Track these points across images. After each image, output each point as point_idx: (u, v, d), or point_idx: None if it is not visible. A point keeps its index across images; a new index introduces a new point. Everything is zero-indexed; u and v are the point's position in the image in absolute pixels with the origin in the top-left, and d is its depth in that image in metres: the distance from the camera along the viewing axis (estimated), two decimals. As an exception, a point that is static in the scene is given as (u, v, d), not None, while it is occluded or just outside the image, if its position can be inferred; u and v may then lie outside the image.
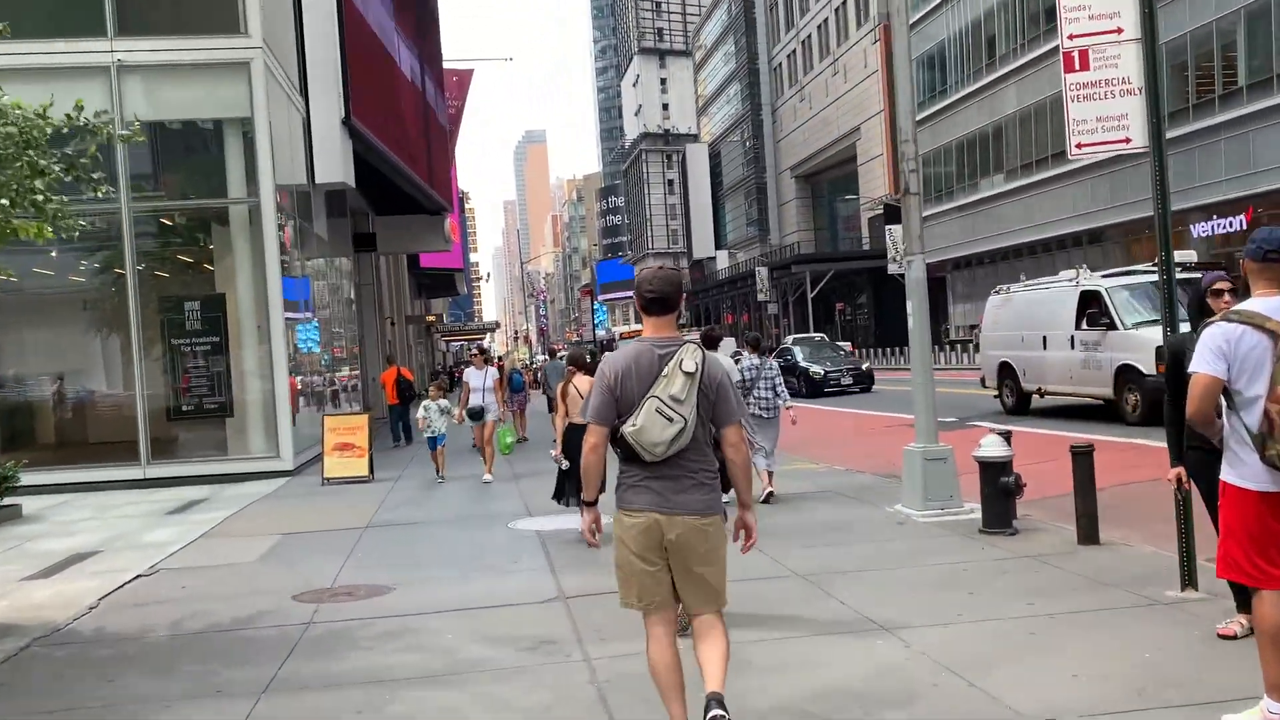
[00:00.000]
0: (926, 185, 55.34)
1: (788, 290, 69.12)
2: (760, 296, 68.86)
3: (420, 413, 13.80)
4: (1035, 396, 16.53)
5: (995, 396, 17.38)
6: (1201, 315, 4.98)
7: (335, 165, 17.76)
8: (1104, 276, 14.89)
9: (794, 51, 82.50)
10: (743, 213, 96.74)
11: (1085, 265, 17.73)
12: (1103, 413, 15.51)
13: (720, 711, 3.72)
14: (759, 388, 10.49)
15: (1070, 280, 15.37)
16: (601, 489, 4.23)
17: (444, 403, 13.94)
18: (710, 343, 10.74)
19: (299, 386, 16.89)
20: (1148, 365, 13.23)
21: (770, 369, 10.65)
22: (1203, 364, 3.90)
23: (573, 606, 6.62)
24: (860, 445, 15.33)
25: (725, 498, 4.18)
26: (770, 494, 10.21)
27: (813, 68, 78.52)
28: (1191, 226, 36.16)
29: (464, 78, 34.82)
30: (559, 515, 9.81)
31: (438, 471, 13.76)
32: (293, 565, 8.68)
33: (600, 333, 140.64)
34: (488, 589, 7.29)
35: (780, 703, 4.68)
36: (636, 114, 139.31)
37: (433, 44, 28.20)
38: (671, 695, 3.92)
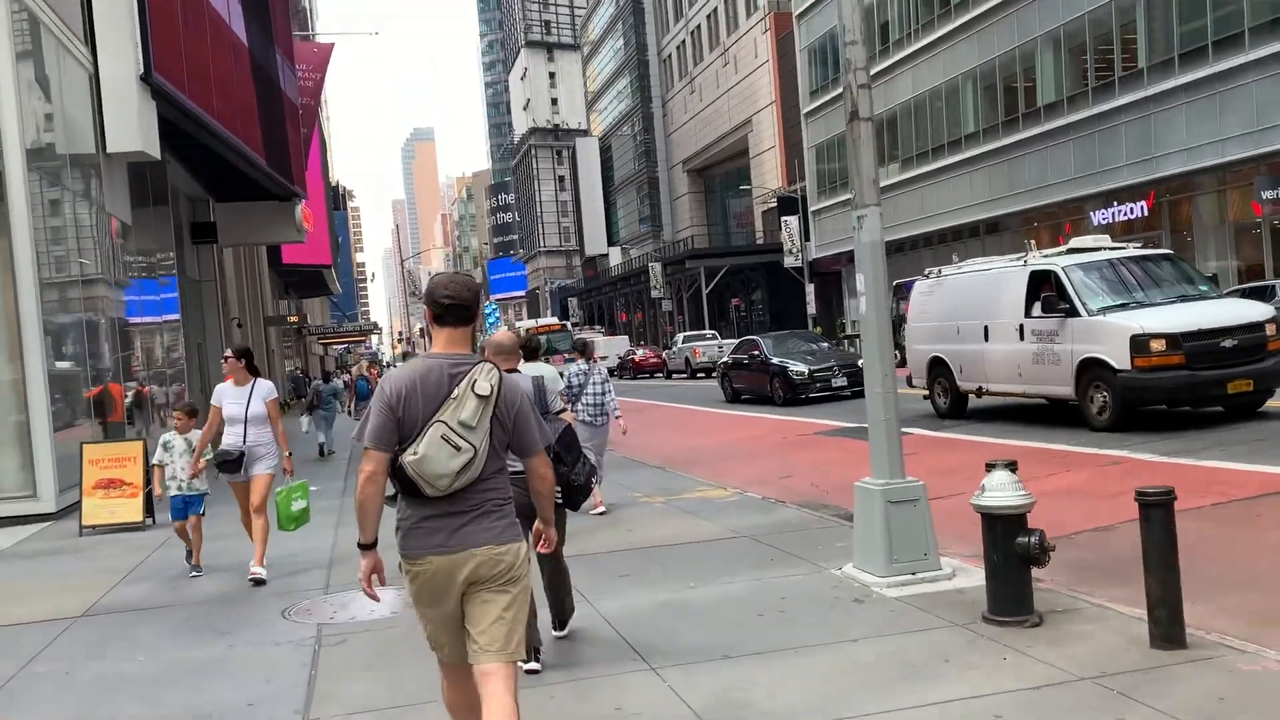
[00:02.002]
0: (818, 179, 53.86)
1: (682, 286, 67.24)
2: (654, 293, 66.88)
3: (156, 456, 8.41)
4: (973, 396, 14.26)
5: (925, 397, 14.98)
6: None
7: (131, 130, 14.45)
8: (1057, 255, 12.63)
9: (684, 42, 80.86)
10: (635, 208, 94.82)
11: (1033, 242, 15.62)
12: (1055, 414, 13.33)
13: None
14: (586, 394, 10.40)
15: (1017, 259, 13.08)
16: None
17: (192, 436, 8.28)
18: (583, 350, 11.07)
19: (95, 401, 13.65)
20: (1120, 359, 11.02)
21: (599, 374, 10.60)
22: None
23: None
24: (774, 461, 12.79)
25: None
26: (602, 511, 9.66)
27: (703, 58, 76.97)
28: (1092, 213, 35.11)
29: (324, 51, 31.56)
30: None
31: (189, 557, 8.34)
32: None
33: (490, 332, 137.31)
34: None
35: None
36: (525, 108, 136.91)
37: (279, 7, 24.84)
38: None
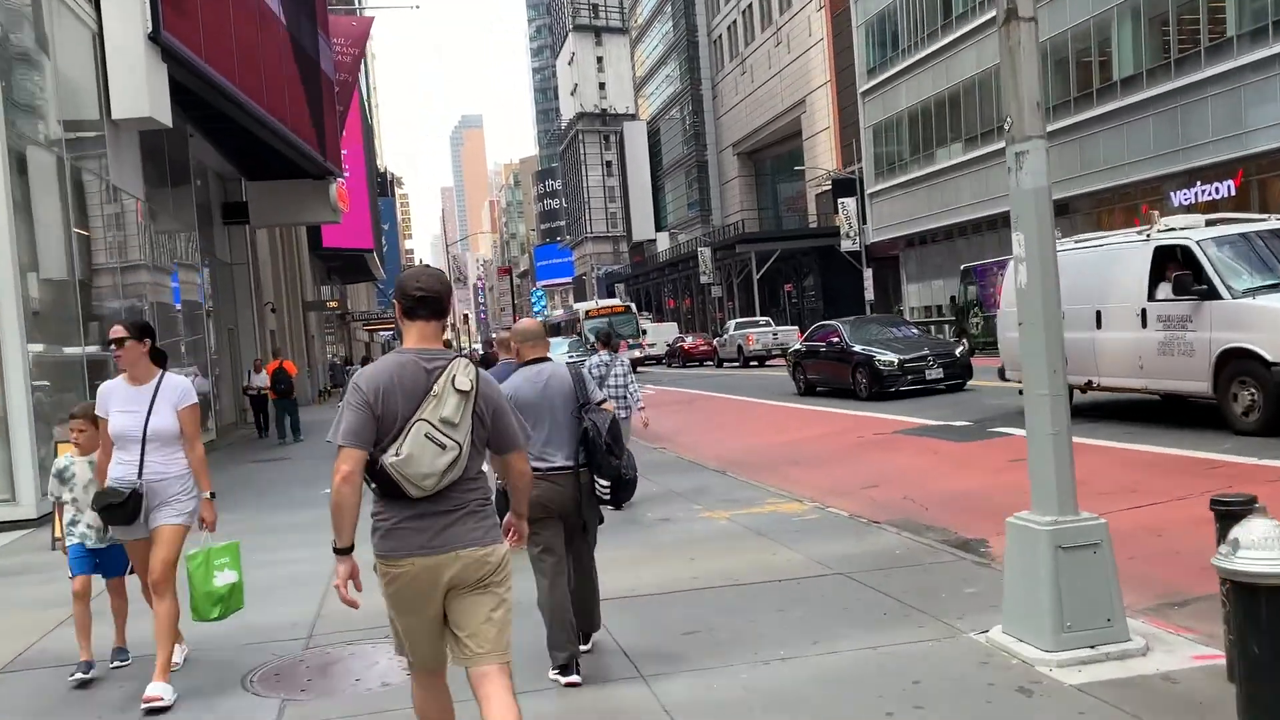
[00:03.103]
0: (875, 161, 51.82)
1: (732, 272, 65.44)
2: (703, 279, 65.15)
3: (50, 488, 5.73)
4: (1078, 392, 12.49)
5: (1022, 392, 13.17)
6: None
7: (138, 94, 13.13)
8: (1186, 226, 10.80)
9: (734, 22, 78.87)
10: (683, 193, 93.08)
11: (1158, 213, 13.78)
12: (1177, 413, 11.54)
13: None
14: (608, 385, 10.15)
15: (1138, 233, 11.27)
16: None
17: (91, 460, 5.52)
18: (605, 340, 10.84)
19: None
20: (1274, 349, 9.24)
21: (621, 365, 10.39)
22: None
23: None
24: (855, 466, 11.12)
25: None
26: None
27: (754, 39, 74.96)
28: (1172, 194, 32.87)
29: (363, 25, 30.28)
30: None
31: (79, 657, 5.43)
32: None
33: (538, 318, 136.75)
34: None
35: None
36: (573, 93, 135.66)
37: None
38: None
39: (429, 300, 3.39)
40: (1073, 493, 4.44)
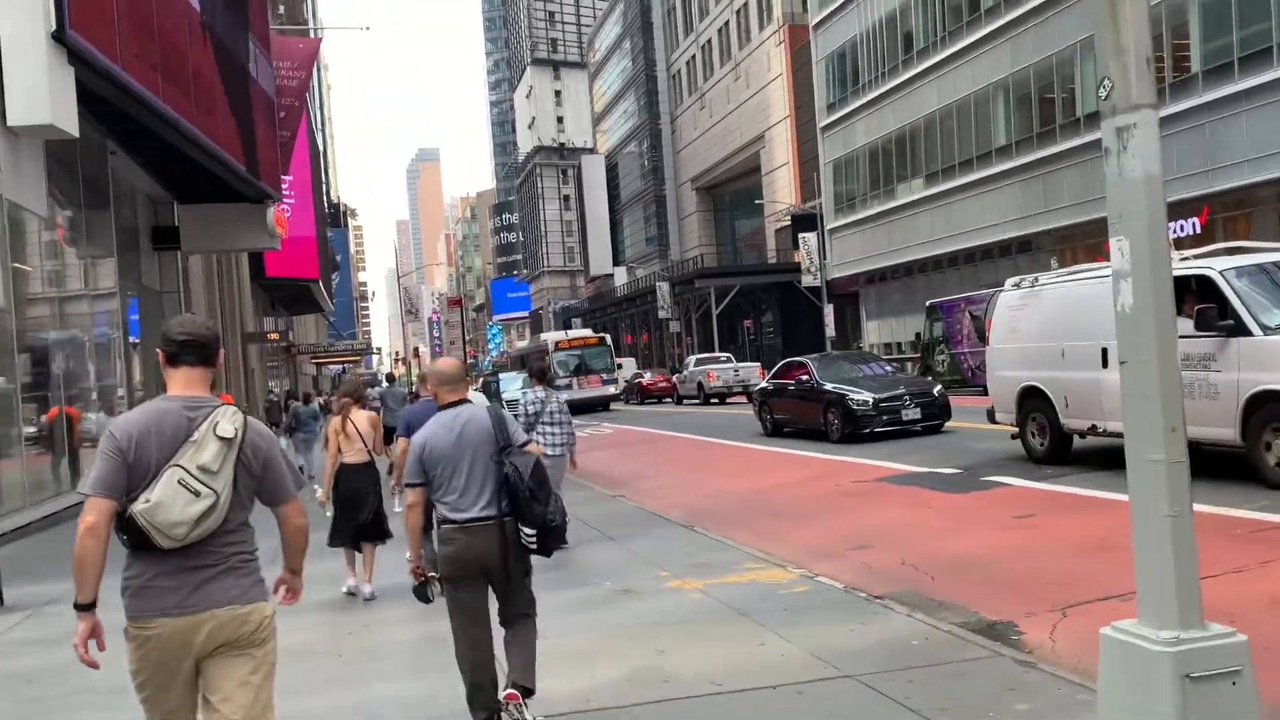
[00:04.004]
0: (835, 196, 51.33)
1: (690, 307, 64.55)
2: (661, 314, 64.17)
3: None
4: (1077, 436, 11.41)
5: (1014, 436, 12.05)
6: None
7: (38, 99, 11.70)
8: (1206, 255, 9.80)
9: (693, 57, 78.70)
10: (641, 227, 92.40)
11: (1174, 247, 12.83)
12: (1201, 464, 10.44)
13: None
14: (543, 423, 9.64)
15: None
16: None
17: None
18: (540, 375, 10.14)
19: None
20: (1315, 393, 8.21)
21: (556, 402, 9.84)
22: None
23: None
24: (839, 521, 9.87)
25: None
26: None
27: (713, 73, 74.75)
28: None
29: (309, 46, 28.95)
30: None
31: None
32: None
33: (493, 354, 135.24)
34: None
35: None
36: (530, 126, 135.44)
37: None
38: None
39: (193, 345, 3.27)
40: (1198, 597, 3.22)
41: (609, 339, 42.91)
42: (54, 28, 11.81)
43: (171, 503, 3.04)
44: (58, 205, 16.09)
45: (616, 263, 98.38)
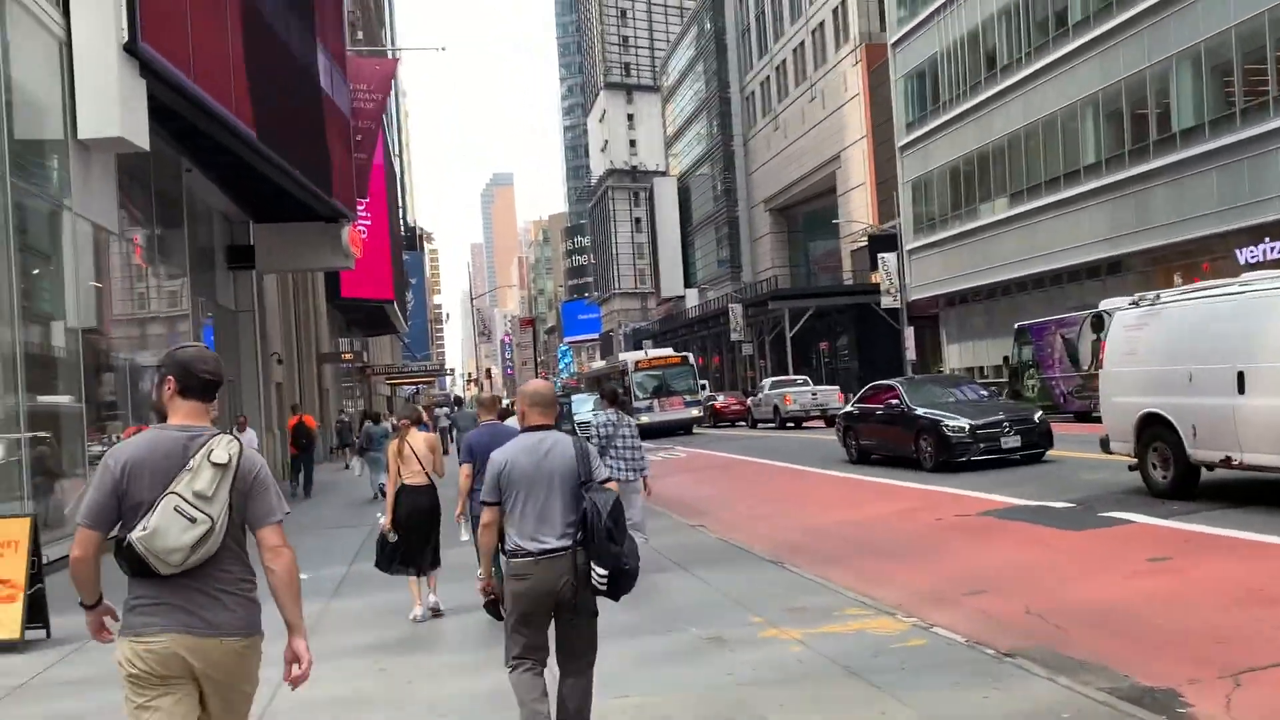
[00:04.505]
0: (914, 217, 50.07)
1: (764, 329, 63.56)
2: (734, 336, 63.26)
3: None
4: (1204, 469, 10.38)
5: (1132, 468, 11.03)
6: None
7: (109, 112, 11.49)
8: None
9: (767, 79, 78.09)
10: (713, 249, 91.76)
11: None
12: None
13: None
14: (615, 447, 9.41)
15: (1293, 277, 9.24)
16: None
17: None
18: (612, 397, 9.97)
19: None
20: None
21: (629, 426, 9.64)
22: None
23: None
24: (947, 561, 8.97)
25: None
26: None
27: (788, 94, 74.00)
28: (1237, 251, 30.77)
29: (386, 67, 28.93)
30: None
31: None
32: None
33: (565, 376, 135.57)
34: None
35: None
36: (603, 150, 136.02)
37: (328, 6, 22.12)
38: None
39: (213, 385, 3.36)
40: None
41: (691, 358, 40.37)
42: (126, 39, 11.64)
43: (167, 530, 3.08)
44: (136, 224, 15.98)
45: (688, 285, 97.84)
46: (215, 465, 3.15)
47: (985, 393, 18.36)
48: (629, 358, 40.66)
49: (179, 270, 17.84)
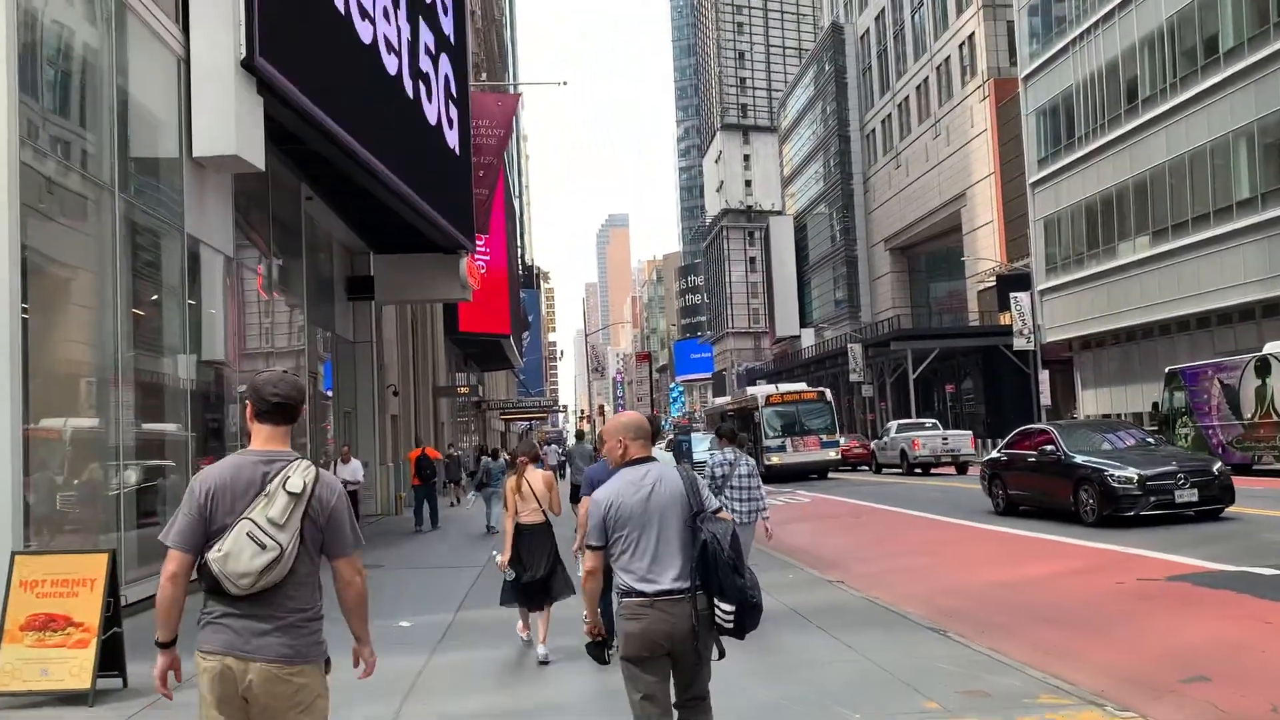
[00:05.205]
0: (1050, 254, 47.80)
1: (885, 370, 61.58)
2: (853, 377, 61.43)
3: None
4: None
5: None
6: None
7: (225, 128, 11.11)
8: None
9: (889, 116, 76.65)
10: (830, 289, 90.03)
11: None
12: None
13: None
14: (732, 487, 9.00)
15: None
16: None
17: None
18: (730, 436, 9.47)
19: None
20: None
21: (745, 465, 9.15)
22: None
23: None
24: (1143, 635, 7.64)
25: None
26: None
27: (910, 131, 72.40)
28: None
29: (507, 103, 28.77)
30: None
31: None
32: None
33: (675, 413, 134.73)
34: None
35: None
36: (718, 190, 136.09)
37: (457, 44, 21.90)
38: None
39: (284, 407, 3.42)
40: None
41: (829, 394, 36.74)
42: (243, 54, 11.25)
43: (240, 554, 3.20)
44: (258, 251, 15.75)
45: (803, 324, 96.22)
46: (290, 494, 3.25)
47: (1151, 440, 16.62)
48: (759, 392, 37.32)
49: (298, 299, 17.59)
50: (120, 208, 10.08)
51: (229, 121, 11.17)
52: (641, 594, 3.99)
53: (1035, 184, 48.66)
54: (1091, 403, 46.38)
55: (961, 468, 32.65)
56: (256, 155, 11.69)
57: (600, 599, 4.49)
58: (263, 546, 3.18)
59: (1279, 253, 33.49)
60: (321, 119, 12.79)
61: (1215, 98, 35.86)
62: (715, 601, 3.99)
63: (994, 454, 18.06)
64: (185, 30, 11.32)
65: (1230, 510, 14.00)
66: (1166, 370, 28.96)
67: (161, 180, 11.43)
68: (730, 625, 4.00)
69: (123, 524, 9.73)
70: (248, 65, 11.30)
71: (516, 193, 70.21)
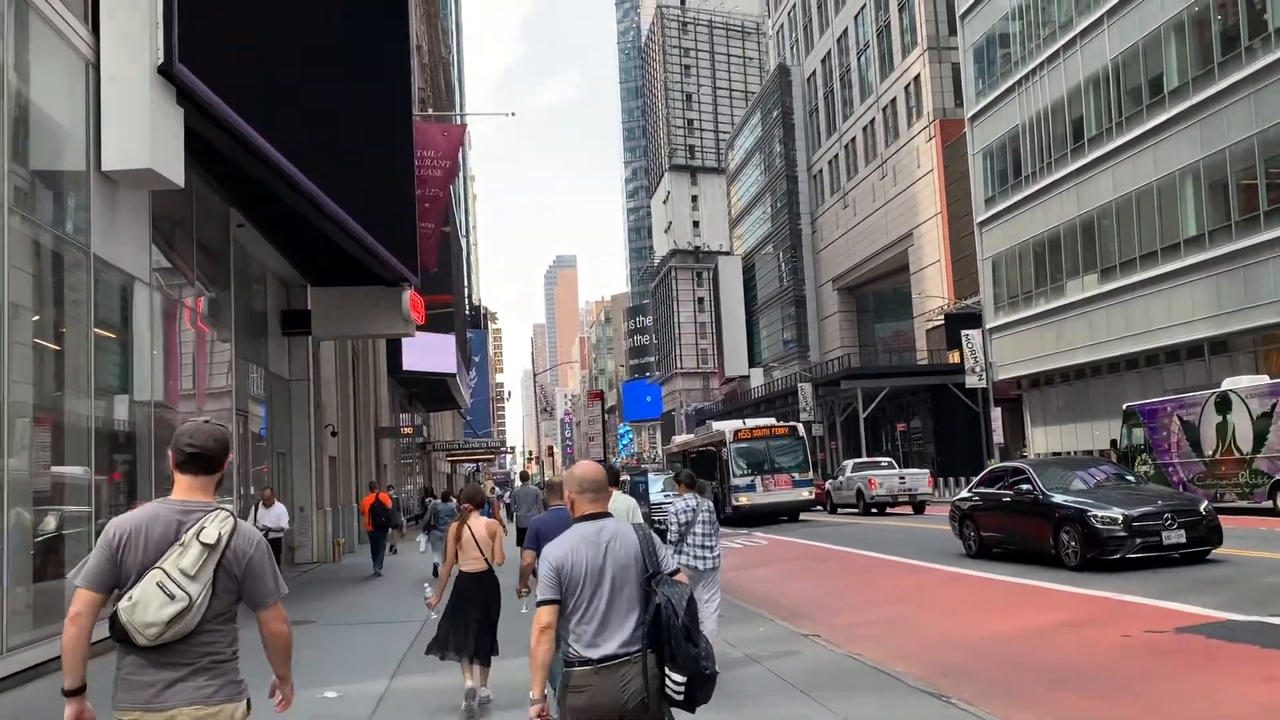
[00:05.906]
0: (998, 292, 47.87)
1: (835, 409, 61.22)
2: (804, 416, 60.95)
3: None
4: None
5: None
6: None
7: (137, 140, 10.06)
8: None
9: (836, 157, 77.18)
10: (779, 329, 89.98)
11: None
12: None
13: None
14: (694, 533, 8.68)
15: None
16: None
17: None
18: (690, 482, 9.19)
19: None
20: None
21: (706, 510, 8.81)
22: None
23: None
24: (1161, 698, 6.81)
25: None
26: None
27: (857, 172, 72.86)
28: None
29: (454, 134, 27.91)
30: None
31: None
32: None
33: (624, 455, 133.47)
34: None
35: None
36: (667, 230, 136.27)
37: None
38: None
39: (201, 458, 3.35)
40: None
41: (801, 429, 33.64)
42: (161, 60, 10.22)
43: (148, 603, 3.15)
44: (182, 279, 14.61)
45: (752, 364, 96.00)
46: (204, 545, 3.22)
47: (1132, 477, 15.91)
48: (726, 427, 34.32)
49: (226, 333, 16.41)
50: (12, 224, 8.95)
51: (143, 133, 10.12)
52: (587, 661, 3.69)
53: (983, 223, 48.82)
54: (1041, 440, 46.29)
55: (919, 507, 31.95)
56: (175, 171, 10.62)
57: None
58: (171, 596, 3.15)
59: (1227, 290, 33.59)
60: (250, 135, 11.76)
61: (1161, 137, 36.12)
62: (666, 671, 3.72)
63: (964, 493, 17.30)
64: (95, 32, 10.28)
65: (1216, 552, 13.33)
66: (1124, 407, 28.65)
67: (66, 196, 10.31)
68: (680, 697, 3.70)
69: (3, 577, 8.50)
70: (165, 72, 10.27)
71: (464, 232, 69.13)
